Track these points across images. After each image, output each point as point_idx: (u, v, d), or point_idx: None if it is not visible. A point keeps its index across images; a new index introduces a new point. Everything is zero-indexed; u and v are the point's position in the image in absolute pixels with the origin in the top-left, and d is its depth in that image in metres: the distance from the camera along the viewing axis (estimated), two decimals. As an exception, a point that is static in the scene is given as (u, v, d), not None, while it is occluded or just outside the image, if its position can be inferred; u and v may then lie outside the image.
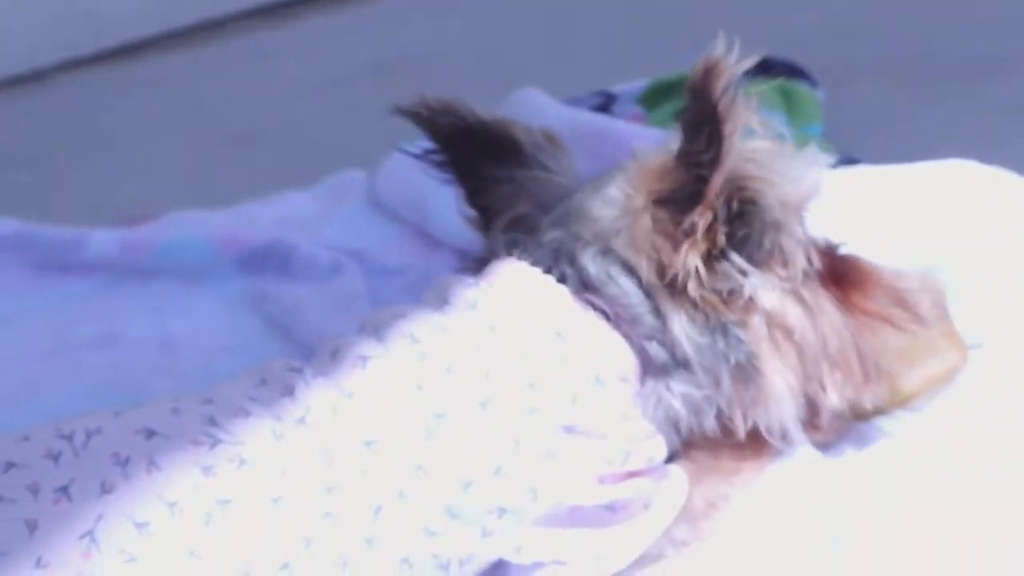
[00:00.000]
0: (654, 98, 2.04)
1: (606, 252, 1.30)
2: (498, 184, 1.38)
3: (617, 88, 2.06)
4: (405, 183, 1.85)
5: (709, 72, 1.21)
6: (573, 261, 1.30)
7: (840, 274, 1.38)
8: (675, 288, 1.28)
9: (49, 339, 1.70)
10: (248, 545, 1.14)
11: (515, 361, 1.25)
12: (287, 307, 1.70)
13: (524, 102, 1.90)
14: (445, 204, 1.48)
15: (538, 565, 1.28)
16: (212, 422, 1.18)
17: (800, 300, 1.33)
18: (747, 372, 1.31)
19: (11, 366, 1.66)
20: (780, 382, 1.32)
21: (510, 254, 1.32)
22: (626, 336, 1.30)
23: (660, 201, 1.27)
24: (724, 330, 1.29)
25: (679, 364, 1.30)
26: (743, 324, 1.30)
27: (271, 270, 1.78)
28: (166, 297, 1.77)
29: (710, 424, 1.34)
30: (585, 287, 1.29)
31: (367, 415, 1.21)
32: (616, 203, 1.31)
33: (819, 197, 1.34)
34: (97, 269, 1.81)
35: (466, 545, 1.23)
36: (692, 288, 1.27)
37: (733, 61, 1.21)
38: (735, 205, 1.28)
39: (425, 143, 1.41)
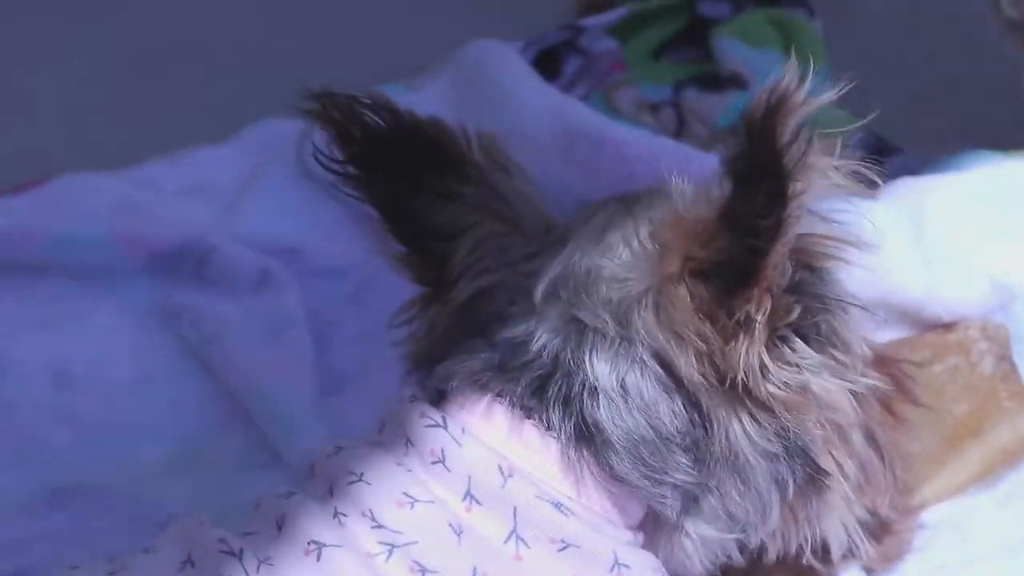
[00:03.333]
0: (630, 29, 1.74)
1: (625, 346, 0.99)
2: (441, 204, 1.06)
3: (587, 21, 1.75)
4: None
5: (775, 109, 0.90)
6: (570, 381, 1.00)
7: None
8: (730, 388, 0.98)
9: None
10: None
11: (508, 547, 0.98)
12: (207, 334, 1.42)
13: (480, 59, 1.59)
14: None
15: None
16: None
17: (852, 392, 1.04)
18: (814, 484, 1.04)
19: None
20: (841, 488, 1.06)
21: (483, 385, 1.02)
22: (632, 488, 1.01)
23: (699, 273, 0.97)
24: (787, 436, 1.00)
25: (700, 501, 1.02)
26: (800, 425, 1.01)
27: (185, 276, 1.48)
28: (58, 305, 1.48)
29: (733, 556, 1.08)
30: (582, 430, 0.99)
31: None
32: (635, 265, 1.00)
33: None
34: (-29, 261, 1.50)
35: None
36: (757, 387, 0.98)
37: (807, 93, 0.91)
38: (796, 274, 0.98)
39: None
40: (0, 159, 1.71)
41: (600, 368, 0.99)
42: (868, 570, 1.18)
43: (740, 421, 0.99)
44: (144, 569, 0.97)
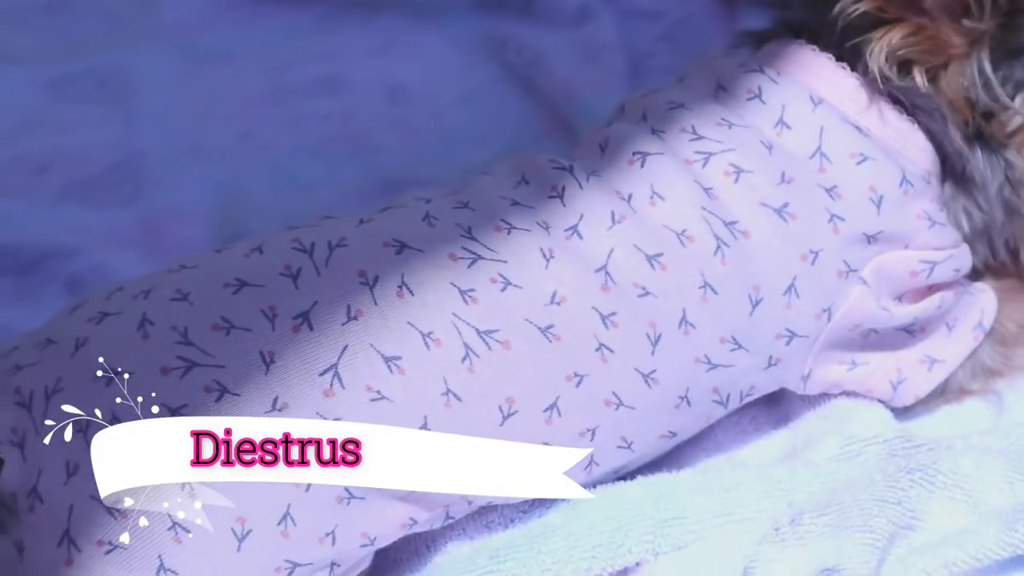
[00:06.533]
0: None
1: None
2: None
3: None
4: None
5: None
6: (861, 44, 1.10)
7: None
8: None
9: (268, 81, 1.56)
10: (511, 383, 0.99)
11: (812, 161, 1.08)
12: (530, 57, 1.53)
13: None
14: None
15: (826, 396, 1.13)
16: (469, 234, 1.02)
17: None
18: (1010, 202, 1.13)
19: (228, 110, 1.52)
20: None
21: (796, 35, 1.13)
22: (926, 131, 1.11)
23: None
24: (991, 148, 1.12)
25: (966, 175, 1.13)
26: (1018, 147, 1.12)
27: (511, 11, 1.60)
28: (393, 35, 1.61)
29: (998, 253, 1.17)
30: (880, 76, 1.09)
31: (649, 223, 1.05)
32: None
33: None
34: (317, 0, 1.63)
35: (749, 377, 1.08)
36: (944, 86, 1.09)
37: None
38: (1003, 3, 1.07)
39: None
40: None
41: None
42: None
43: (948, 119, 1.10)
44: (483, 187, 1.08)
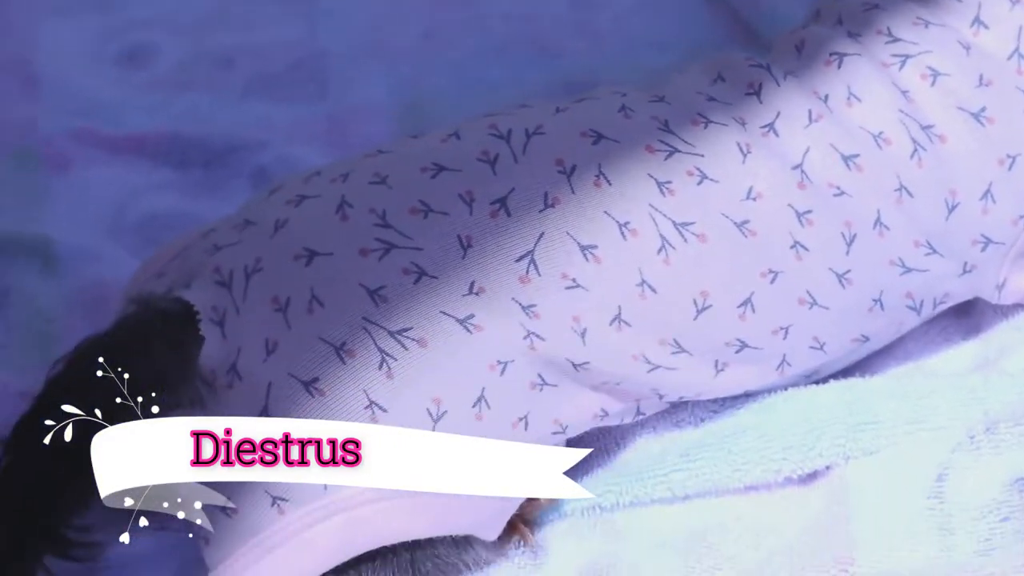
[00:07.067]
0: None
1: None
2: None
3: None
4: None
5: None
6: None
7: None
8: None
9: (446, -17, 1.54)
10: (706, 276, 0.99)
11: (1011, 63, 1.05)
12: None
13: None
14: None
15: (1018, 307, 1.11)
16: (666, 127, 1.01)
17: None
18: None
19: (410, 9, 1.52)
20: None
21: None
22: None
23: None
24: None
25: None
26: None
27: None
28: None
29: None
30: None
31: (846, 124, 1.03)
32: None
33: None
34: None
35: (943, 283, 1.06)
36: None
37: None
38: None
39: None
40: None
41: None
42: None
43: None
44: (679, 83, 1.07)
